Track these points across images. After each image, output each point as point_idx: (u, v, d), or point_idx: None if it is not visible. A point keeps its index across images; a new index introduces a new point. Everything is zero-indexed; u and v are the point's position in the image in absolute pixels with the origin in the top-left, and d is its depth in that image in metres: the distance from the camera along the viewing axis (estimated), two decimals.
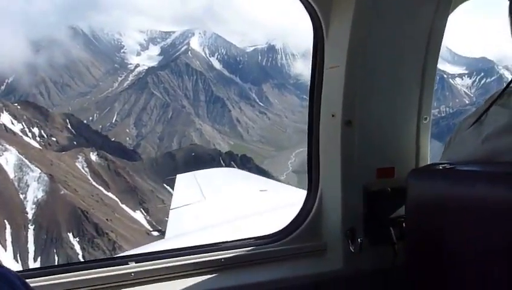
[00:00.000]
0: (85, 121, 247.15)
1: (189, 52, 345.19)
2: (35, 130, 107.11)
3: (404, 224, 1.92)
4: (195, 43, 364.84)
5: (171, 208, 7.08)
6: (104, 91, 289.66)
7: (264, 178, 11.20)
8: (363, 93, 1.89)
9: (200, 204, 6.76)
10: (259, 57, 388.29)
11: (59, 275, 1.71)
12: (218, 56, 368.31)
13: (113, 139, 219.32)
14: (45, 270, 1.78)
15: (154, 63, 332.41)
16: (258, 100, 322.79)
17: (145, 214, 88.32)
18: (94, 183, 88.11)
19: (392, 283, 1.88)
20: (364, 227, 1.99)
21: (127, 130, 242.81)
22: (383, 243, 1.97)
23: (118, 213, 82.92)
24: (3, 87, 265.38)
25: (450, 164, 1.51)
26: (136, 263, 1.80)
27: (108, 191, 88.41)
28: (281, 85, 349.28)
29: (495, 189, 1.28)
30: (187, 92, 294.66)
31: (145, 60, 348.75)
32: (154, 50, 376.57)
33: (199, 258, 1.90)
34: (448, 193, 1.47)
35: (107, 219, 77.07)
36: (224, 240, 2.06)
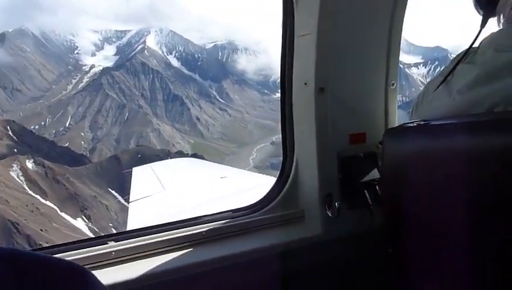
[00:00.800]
0: (36, 127, 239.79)
1: (146, 50, 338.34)
2: None
3: (377, 187, 1.99)
4: (151, 42, 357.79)
5: (130, 201, 6.89)
6: (58, 94, 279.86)
7: (224, 165, 11.28)
8: (334, 60, 1.91)
9: (159, 195, 6.60)
10: (220, 54, 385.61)
11: None
12: (176, 54, 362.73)
13: (66, 145, 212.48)
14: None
15: (110, 63, 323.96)
16: (218, 97, 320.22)
17: (87, 221, 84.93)
18: (30, 192, 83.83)
19: (369, 246, 1.92)
20: (340, 192, 2.03)
21: (82, 134, 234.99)
22: (359, 207, 2.02)
23: (56, 222, 79.11)
24: None
25: (423, 120, 1.53)
26: (115, 241, 1.78)
27: (46, 200, 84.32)
28: (241, 81, 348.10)
29: (475, 138, 1.27)
30: (144, 92, 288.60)
31: (101, 60, 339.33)
32: (110, 50, 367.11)
33: (180, 233, 1.89)
34: (426, 148, 1.47)
35: (41, 230, 73.27)
36: (204, 214, 2.06)
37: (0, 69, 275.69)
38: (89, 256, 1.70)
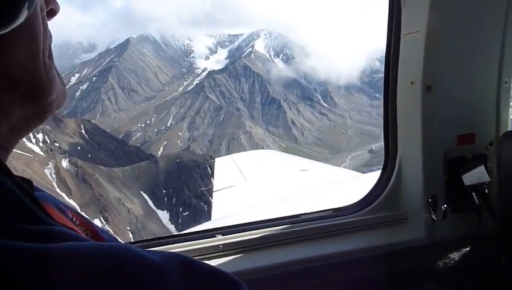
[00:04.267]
0: (142, 125, 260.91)
1: (253, 54, 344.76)
2: (40, 136, 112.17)
3: (486, 190, 1.92)
4: (260, 45, 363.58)
5: (213, 190, 7.14)
6: (169, 95, 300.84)
7: (303, 158, 10.92)
8: (442, 58, 1.85)
9: (242, 186, 6.78)
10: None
11: (151, 249, 1.60)
12: (283, 57, 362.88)
13: (164, 143, 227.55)
14: (137, 244, 1.80)
15: (221, 66, 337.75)
16: (322, 101, 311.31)
17: (104, 223, 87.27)
18: (58, 190, 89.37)
19: (477, 251, 1.86)
20: (446, 195, 1.97)
21: (180, 133, 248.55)
22: (466, 211, 1.96)
23: None
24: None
25: None
26: (222, 235, 1.85)
27: (70, 198, 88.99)
28: (349, 84, 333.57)
29: None
30: (243, 95, 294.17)
31: (213, 63, 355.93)
32: (223, 54, 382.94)
33: (281, 230, 1.93)
34: None
35: None
36: (304, 212, 2.08)
37: (121, 71, 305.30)
38: (199, 248, 1.78)
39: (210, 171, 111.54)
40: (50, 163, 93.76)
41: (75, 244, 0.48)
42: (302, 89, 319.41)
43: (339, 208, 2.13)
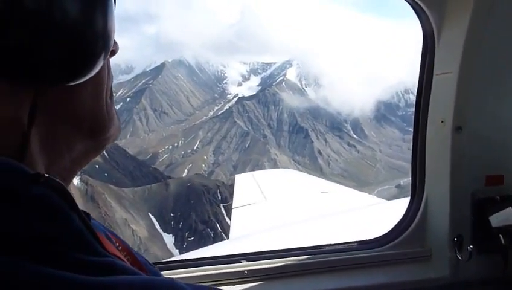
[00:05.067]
0: (170, 147, 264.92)
1: (284, 82, 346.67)
2: None
3: None
4: (292, 74, 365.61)
5: (233, 207, 7.09)
6: (199, 119, 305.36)
7: (325, 180, 11.03)
8: (474, 99, 1.88)
9: (261, 205, 6.79)
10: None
11: (176, 270, 1.80)
12: (315, 86, 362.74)
13: (188, 165, 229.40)
14: (163, 265, 1.88)
15: (252, 93, 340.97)
16: (352, 132, 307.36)
17: None
18: None
19: None
20: (472, 235, 1.98)
21: (205, 157, 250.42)
22: (491, 252, 1.97)
23: None
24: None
25: None
26: (247, 261, 1.88)
27: None
28: (381, 116, 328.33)
29: None
30: (271, 122, 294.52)
31: (245, 90, 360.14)
32: (255, 81, 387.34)
33: (306, 259, 1.95)
34: None
35: None
36: (328, 243, 2.10)
37: (154, 94, 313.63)
38: (224, 273, 1.81)
39: (220, 197, 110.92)
40: None
41: (132, 278, 0.53)
42: (332, 119, 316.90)
43: (364, 241, 2.14)
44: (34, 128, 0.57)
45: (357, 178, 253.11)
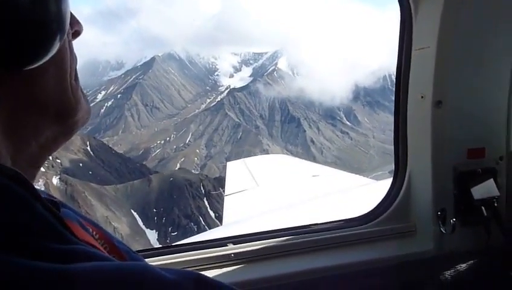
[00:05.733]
0: (162, 142, 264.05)
1: (275, 72, 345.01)
2: None
3: (496, 204, 1.95)
4: (283, 64, 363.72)
5: (225, 194, 7.13)
6: (191, 113, 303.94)
7: (316, 164, 11.02)
8: (453, 73, 1.89)
9: (253, 191, 6.85)
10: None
11: (163, 257, 1.80)
12: (306, 75, 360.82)
13: (181, 160, 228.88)
14: (149, 252, 1.87)
15: (243, 84, 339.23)
16: (345, 119, 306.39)
17: None
18: None
19: (485, 264, 1.91)
20: (455, 208, 2.00)
21: (197, 151, 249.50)
22: (474, 224, 1.99)
23: None
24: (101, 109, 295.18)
25: None
26: (233, 244, 1.88)
27: None
28: (375, 103, 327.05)
29: None
30: (263, 112, 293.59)
31: (237, 81, 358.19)
32: (247, 72, 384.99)
33: (292, 239, 1.97)
34: None
35: None
36: (315, 223, 2.12)
37: (145, 89, 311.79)
38: (211, 257, 1.82)
39: (203, 191, 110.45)
40: (40, 180, 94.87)
41: (98, 264, 0.51)
42: (324, 107, 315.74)
43: (348, 219, 2.17)
44: None
45: (349, 165, 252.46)
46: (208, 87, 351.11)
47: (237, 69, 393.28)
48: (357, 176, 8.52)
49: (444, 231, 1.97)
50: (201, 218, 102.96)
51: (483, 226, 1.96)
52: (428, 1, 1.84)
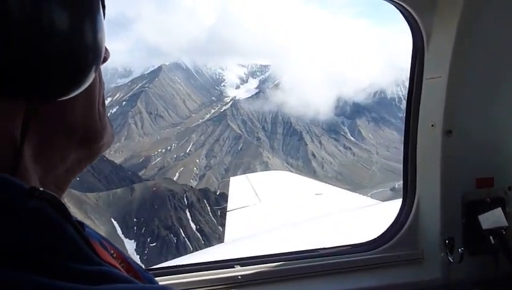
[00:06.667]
0: (163, 150, 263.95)
1: (281, 84, 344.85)
2: None
3: (504, 233, 1.95)
4: (287, 76, 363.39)
5: (227, 210, 7.10)
6: (195, 122, 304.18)
7: (319, 182, 11.09)
8: (463, 103, 1.91)
9: (256, 207, 6.86)
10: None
11: (170, 276, 1.80)
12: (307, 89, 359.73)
13: (180, 169, 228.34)
14: (156, 271, 1.87)
15: (249, 96, 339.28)
16: (349, 135, 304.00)
17: None
18: None
19: None
20: (463, 237, 2.00)
21: (197, 160, 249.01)
22: (482, 253, 2.00)
23: None
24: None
25: None
26: (241, 266, 1.89)
27: None
28: (380, 119, 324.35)
29: None
30: (265, 125, 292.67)
31: (243, 93, 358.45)
32: (253, 83, 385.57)
33: (300, 263, 1.98)
34: None
35: None
36: (322, 247, 2.13)
37: (150, 97, 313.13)
38: (217, 278, 1.81)
39: (186, 202, 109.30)
40: None
41: (127, 287, 0.54)
42: (328, 122, 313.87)
43: (357, 244, 2.16)
44: (26, 142, 0.58)
45: (351, 181, 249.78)
46: (213, 98, 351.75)
47: (244, 81, 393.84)
48: (361, 196, 8.51)
49: (451, 260, 1.97)
50: (181, 230, 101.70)
51: (491, 256, 1.95)
52: (441, 31, 1.86)
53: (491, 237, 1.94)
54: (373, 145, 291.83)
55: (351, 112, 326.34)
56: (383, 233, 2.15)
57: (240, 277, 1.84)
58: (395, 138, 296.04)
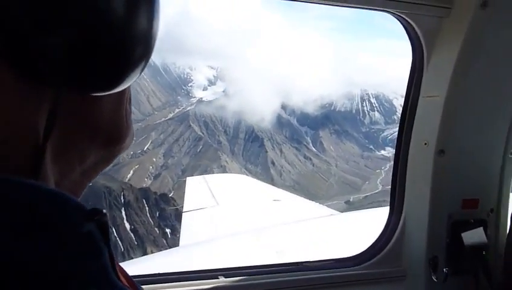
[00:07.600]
0: None
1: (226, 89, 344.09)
2: None
3: (484, 254, 1.98)
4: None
5: (183, 210, 7.07)
6: (157, 120, 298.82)
7: (278, 189, 10.82)
8: (458, 123, 1.92)
9: (213, 209, 6.84)
10: (334, 103, 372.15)
11: (154, 285, 1.77)
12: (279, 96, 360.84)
13: (135, 166, 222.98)
14: (138, 279, 1.82)
15: (213, 98, 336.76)
16: (311, 145, 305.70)
17: None
18: None
19: None
20: (446, 256, 2.01)
21: (154, 159, 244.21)
22: (464, 273, 2.01)
23: None
24: None
25: None
26: (225, 277, 1.87)
27: None
28: (342, 132, 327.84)
29: None
30: (227, 129, 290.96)
31: (210, 95, 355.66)
32: (221, 86, 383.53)
33: (283, 277, 1.97)
34: None
35: None
36: (305, 260, 2.10)
37: None
38: (201, 289, 1.79)
39: (122, 201, 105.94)
40: None
41: None
42: (292, 130, 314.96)
43: (341, 258, 2.16)
44: (49, 140, 0.51)
45: (307, 191, 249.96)
46: (179, 97, 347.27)
47: (212, 83, 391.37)
48: (319, 205, 8.51)
49: (435, 279, 1.98)
50: (113, 229, 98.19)
51: (472, 276, 1.97)
52: (443, 51, 1.87)
53: (472, 257, 1.95)
54: (333, 158, 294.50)
55: (314, 123, 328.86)
56: (368, 248, 2.14)
57: (223, 288, 1.83)
58: (356, 152, 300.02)
